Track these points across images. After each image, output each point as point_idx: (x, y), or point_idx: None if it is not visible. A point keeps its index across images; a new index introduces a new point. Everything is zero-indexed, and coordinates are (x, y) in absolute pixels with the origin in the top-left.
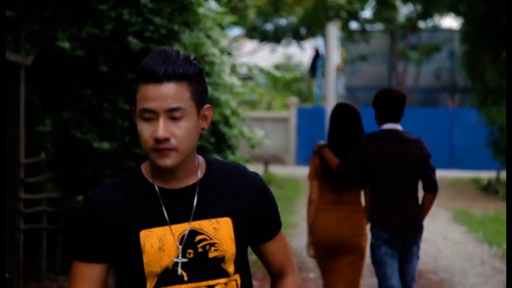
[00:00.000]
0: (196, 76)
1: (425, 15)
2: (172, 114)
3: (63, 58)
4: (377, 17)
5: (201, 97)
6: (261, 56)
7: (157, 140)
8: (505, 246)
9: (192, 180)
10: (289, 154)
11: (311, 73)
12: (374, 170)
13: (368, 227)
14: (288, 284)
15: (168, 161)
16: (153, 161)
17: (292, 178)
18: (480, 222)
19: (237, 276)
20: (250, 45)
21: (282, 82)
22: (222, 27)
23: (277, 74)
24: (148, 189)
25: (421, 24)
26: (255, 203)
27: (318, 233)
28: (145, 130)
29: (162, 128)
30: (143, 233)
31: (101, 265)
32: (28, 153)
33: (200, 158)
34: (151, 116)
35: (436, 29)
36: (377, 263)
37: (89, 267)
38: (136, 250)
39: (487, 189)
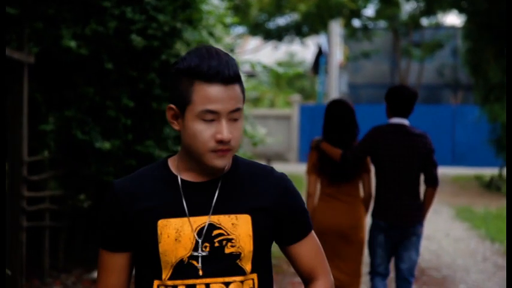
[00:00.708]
0: (241, 76)
1: (428, 12)
2: (233, 116)
3: (67, 56)
4: (380, 14)
5: (245, 96)
6: (264, 54)
7: (220, 142)
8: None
9: (216, 175)
10: (291, 151)
11: (314, 70)
12: (378, 160)
13: (367, 218)
14: None
15: (225, 161)
16: (206, 162)
17: (294, 175)
18: (482, 219)
19: (255, 276)
20: (253, 42)
21: (285, 79)
22: (225, 24)
23: (280, 70)
24: (171, 181)
25: (424, 21)
26: (277, 203)
27: (316, 223)
28: (206, 131)
29: (226, 129)
30: (161, 223)
31: (125, 254)
32: (31, 151)
33: None
34: (213, 117)
35: (438, 26)
36: (370, 248)
37: (114, 256)
38: (153, 239)
39: (490, 186)
